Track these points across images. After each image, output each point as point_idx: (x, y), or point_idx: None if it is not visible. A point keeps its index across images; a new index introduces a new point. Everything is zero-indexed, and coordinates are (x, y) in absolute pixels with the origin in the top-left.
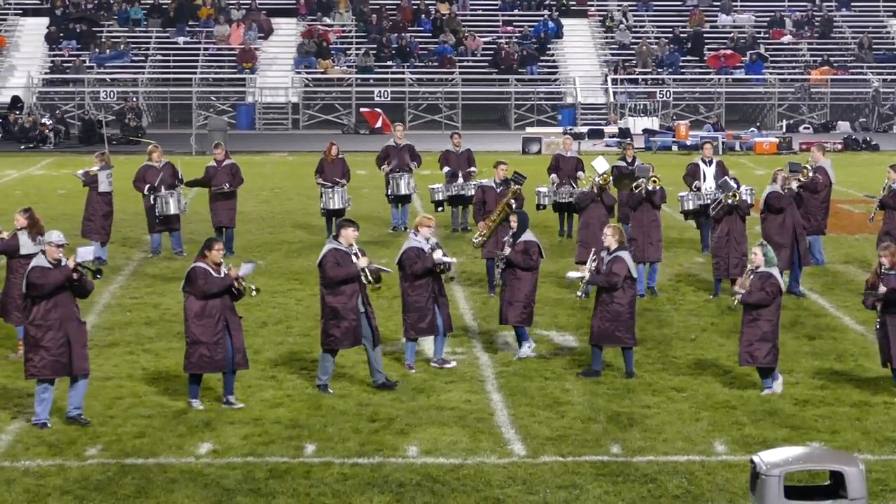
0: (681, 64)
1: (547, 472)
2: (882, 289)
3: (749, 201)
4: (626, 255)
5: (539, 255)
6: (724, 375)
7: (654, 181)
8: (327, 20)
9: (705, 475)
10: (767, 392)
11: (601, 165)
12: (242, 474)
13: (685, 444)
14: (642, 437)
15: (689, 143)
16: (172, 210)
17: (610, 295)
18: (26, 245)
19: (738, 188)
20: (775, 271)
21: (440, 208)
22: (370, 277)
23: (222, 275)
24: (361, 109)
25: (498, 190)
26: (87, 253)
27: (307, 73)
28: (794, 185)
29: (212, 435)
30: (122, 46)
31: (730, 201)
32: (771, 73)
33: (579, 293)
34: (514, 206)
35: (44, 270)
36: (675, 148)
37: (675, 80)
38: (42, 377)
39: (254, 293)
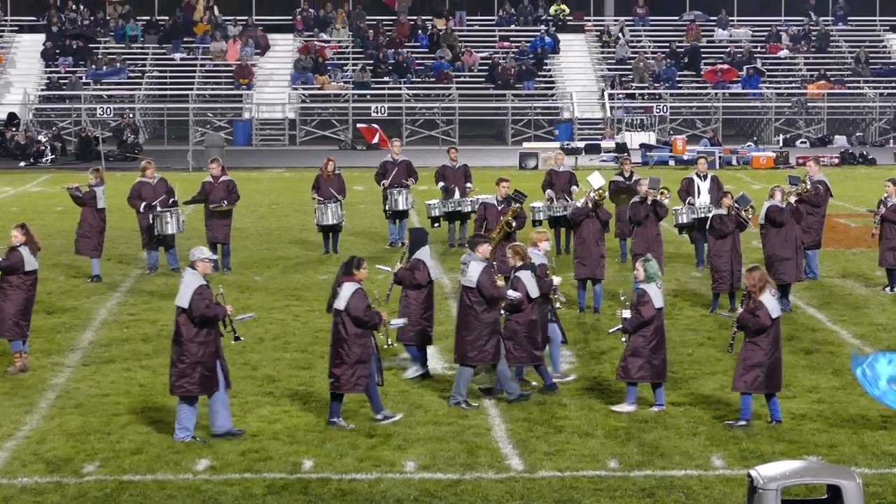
0: (677, 78)
1: (545, 487)
2: (739, 310)
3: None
4: (525, 274)
5: (427, 275)
6: (722, 390)
7: (664, 193)
8: (324, 36)
9: (703, 489)
10: (656, 409)
11: (597, 181)
12: (240, 490)
13: (682, 459)
14: (640, 451)
15: (686, 157)
16: (171, 230)
17: (510, 314)
18: (30, 261)
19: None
20: (652, 288)
21: (436, 224)
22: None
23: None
24: (358, 125)
25: (499, 207)
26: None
27: (304, 88)
28: (794, 198)
29: (209, 451)
30: (118, 63)
31: (749, 214)
32: (768, 88)
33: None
34: (514, 225)
35: (211, 305)
36: (672, 163)
37: (671, 94)
38: (198, 394)
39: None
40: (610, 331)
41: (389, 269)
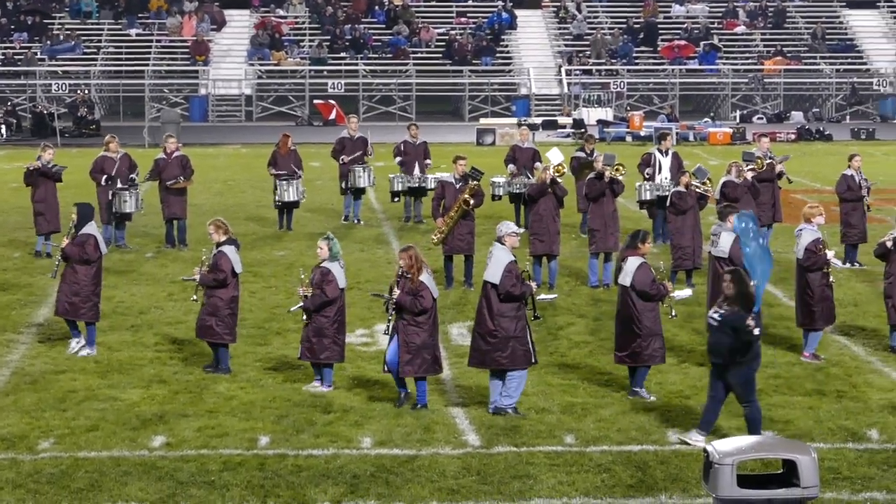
0: (634, 55)
1: (501, 463)
2: (396, 292)
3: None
4: (229, 249)
5: (96, 249)
6: (678, 366)
7: (618, 170)
8: (280, 11)
9: (659, 464)
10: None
11: (556, 156)
12: (196, 467)
13: (638, 434)
14: (596, 427)
15: (643, 133)
16: (129, 209)
17: (212, 290)
18: None
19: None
20: (335, 267)
21: (396, 199)
22: None
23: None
24: (315, 101)
25: (457, 186)
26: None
27: (260, 64)
28: (750, 174)
29: (165, 428)
30: (73, 39)
31: (706, 188)
32: (724, 64)
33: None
34: (472, 202)
35: (518, 283)
36: (629, 139)
37: (628, 70)
38: (509, 368)
39: None
40: (290, 309)
41: (57, 244)
